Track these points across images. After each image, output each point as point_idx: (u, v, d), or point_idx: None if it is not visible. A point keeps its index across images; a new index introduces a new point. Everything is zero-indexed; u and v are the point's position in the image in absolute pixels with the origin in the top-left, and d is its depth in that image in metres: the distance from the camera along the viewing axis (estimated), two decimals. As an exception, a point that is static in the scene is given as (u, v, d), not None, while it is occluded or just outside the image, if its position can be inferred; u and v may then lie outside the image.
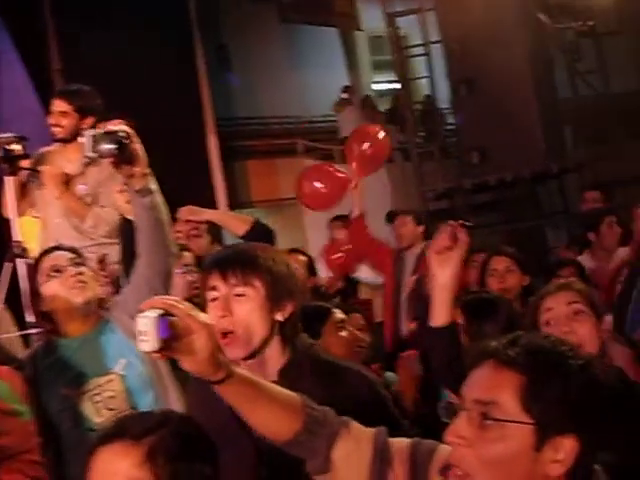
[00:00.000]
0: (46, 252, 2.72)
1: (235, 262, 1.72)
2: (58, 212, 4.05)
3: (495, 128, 9.00)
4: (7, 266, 3.57)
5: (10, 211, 3.61)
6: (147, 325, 1.21)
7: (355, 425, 1.42)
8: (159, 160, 2.53)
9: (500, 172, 9.08)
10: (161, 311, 1.24)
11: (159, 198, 2.43)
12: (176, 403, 2.46)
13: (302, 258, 4.24)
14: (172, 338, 1.24)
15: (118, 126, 2.36)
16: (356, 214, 4.58)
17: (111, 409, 2.50)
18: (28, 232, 3.85)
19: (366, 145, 4.81)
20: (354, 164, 4.73)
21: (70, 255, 2.64)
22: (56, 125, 4.02)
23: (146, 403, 2.51)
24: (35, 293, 2.65)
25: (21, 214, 3.78)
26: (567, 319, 1.94)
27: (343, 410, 1.44)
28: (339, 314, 2.82)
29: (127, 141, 2.30)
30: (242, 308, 1.70)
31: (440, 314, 1.94)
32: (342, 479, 1.37)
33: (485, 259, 3.42)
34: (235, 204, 10.17)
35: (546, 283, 3.75)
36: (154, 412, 1.57)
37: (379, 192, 9.62)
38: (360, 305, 4.75)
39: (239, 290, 1.70)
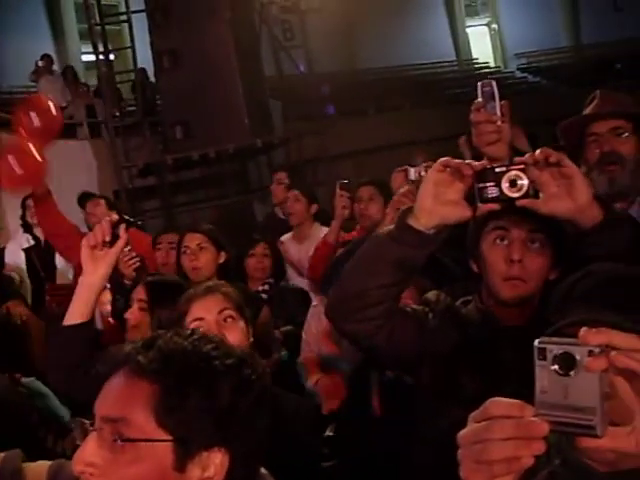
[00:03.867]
0: None
1: None
2: None
3: (199, 102, 8.83)
4: None
5: None
6: None
7: None
8: None
9: (204, 147, 8.95)
10: None
11: None
12: None
13: None
14: None
15: None
16: (40, 190, 3.98)
17: None
18: None
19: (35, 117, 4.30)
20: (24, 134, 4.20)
21: None
22: None
23: None
24: None
25: None
26: (218, 326, 1.90)
27: None
28: None
29: None
30: None
31: (78, 313, 1.83)
32: None
33: (180, 237, 3.25)
34: None
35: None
36: None
37: (84, 169, 9.10)
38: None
39: None
